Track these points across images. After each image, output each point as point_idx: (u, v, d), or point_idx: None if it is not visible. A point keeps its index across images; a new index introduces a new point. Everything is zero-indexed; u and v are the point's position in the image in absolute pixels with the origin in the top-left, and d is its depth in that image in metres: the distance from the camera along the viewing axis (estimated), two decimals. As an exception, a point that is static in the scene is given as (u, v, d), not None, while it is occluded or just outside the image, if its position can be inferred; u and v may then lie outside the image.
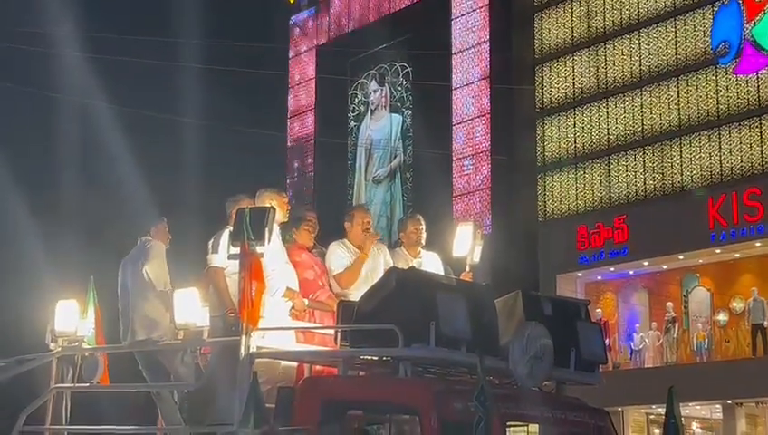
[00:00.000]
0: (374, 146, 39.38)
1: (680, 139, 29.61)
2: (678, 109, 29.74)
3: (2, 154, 19.68)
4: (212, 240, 8.28)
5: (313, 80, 41.40)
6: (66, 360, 8.66)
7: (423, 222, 9.08)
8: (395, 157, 38.73)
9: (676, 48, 30.07)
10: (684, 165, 29.45)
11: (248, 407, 6.61)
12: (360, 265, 8.59)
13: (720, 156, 28.72)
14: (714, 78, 29.13)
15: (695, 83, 29.54)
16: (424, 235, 9.02)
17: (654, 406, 27.62)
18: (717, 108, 28.90)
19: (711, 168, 28.83)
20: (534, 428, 7.68)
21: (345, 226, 8.91)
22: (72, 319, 8.70)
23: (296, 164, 41.56)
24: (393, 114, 39.06)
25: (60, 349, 8.66)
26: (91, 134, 22.08)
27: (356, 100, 40.40)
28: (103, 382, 8.62)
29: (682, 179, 29.39)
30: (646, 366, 28.99)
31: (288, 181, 40.37)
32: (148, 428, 8.54)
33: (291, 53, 42.40)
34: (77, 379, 8.57)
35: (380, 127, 39.45)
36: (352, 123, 40.38)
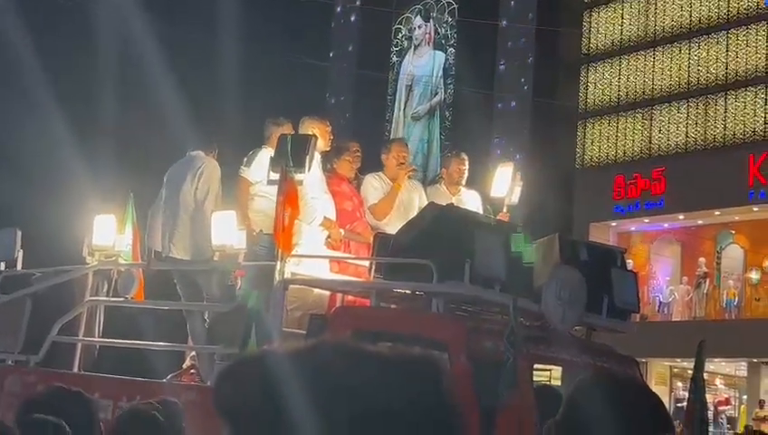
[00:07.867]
0: (415, 82, 39.12)
1: (725, 93, 29.17)
2: (726, 62, 29.26)
3: (44, 69, 19.74)
4: (246, 157, 8.36)
5: (358, 10, 41.04)
6: (102, 274, 8.70)
7: (467, 162, 9.05)
8: (435, 94, 38.48)
9: (728, 0, 29.50)
10: (727, 120, 29.06)
11: (246, 332, 6.69)
12: (395, 196, 8.58)
13: (765, 113, 28.29)
14: (765, 33, 28.60)
15: (745, 37, 29.01)
16: (466, 174, 9.00)
17: (678, 359, 27.61)
18: (766, 64, 28.41)
19: (755, 124, 28.43)
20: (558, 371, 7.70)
21: (382, 158, 8.90)
22: (109, 234, 8.70)
23: (336, 96, 41.39)
24: (436, 51, 38.73)
25: (96, 263, 8.72)
26: (132, 51, 22.10)
27: (400, 34, 40.07)
28: (138, 298, 8.67)
29: (725, 134, 29.02)
30: (673, 319, 28.94)
31: (327, 112, 40.25)
32: (180, 345, 8.63)
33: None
34: (112, 293, 8.64)
35: (423, 63, 39.15)
36: (395, 58, 40.09)
